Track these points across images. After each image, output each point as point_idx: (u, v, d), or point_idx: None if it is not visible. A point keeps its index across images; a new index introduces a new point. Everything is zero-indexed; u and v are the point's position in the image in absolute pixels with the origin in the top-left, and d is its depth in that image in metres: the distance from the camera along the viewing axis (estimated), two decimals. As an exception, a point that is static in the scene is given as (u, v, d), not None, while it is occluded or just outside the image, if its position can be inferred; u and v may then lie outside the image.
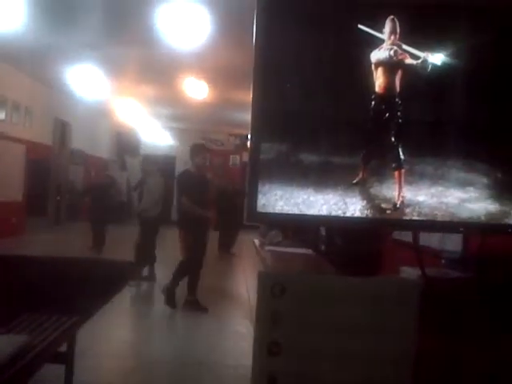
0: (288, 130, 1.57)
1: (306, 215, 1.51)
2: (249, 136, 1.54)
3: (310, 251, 4.08)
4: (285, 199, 1.53)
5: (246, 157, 17.30)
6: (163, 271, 8.42)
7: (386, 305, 1.53)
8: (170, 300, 6.09)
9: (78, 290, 6.22)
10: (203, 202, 6.30)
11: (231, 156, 17.65)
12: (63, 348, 3.45)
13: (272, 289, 1.49)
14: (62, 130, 13.18)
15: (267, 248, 4.27)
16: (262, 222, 2.74)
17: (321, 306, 1.52)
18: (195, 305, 6.11)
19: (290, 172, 1.54)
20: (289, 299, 1.50)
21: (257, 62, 1.51)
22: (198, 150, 6.51)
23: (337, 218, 1.53)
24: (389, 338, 1.52)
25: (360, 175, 1.58)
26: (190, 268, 6.22)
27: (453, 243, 2.98)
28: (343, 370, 1.51)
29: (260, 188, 1.51)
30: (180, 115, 14.94)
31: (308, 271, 2.81)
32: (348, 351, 1.52)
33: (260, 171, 1.52)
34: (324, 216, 1.52)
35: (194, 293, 6.20)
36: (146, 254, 7.66)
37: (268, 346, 1.48)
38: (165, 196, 8.14)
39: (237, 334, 5.35)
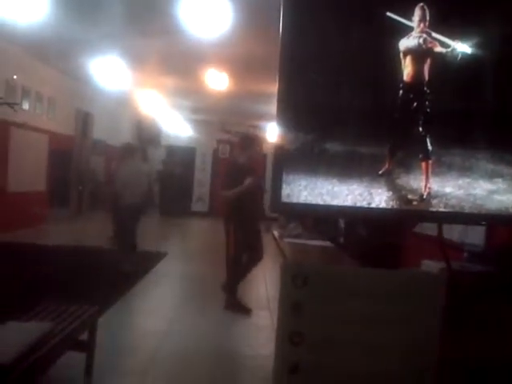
0: (313, 120, 1.55)
1: (331, 206, 1.49)
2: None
3: (328, 243, 4.07)
4: (309, 189, 1.51)
5: (266, 148, 17.27)
6: (176, 265, 8.50)
7: (409, 297, 1.51)
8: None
9: (99, 279, 6.31)
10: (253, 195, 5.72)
11: (251, 148, 17.64)
12: (84, 337, 3.50)
13: (294, 279, 1.48)
14: (84, 120, 13.31)
15: (286, 240, 4.27)
16: (286, 213, 2.73)
17: (342, 296, 1.51)
18: (238, 306, 5.72)
19: (314, 162, 1.52)
20: (311, 290, 1.49)
21: (283, 51, 1.49)
22: (250, 142, 5.96)
23: (362, 208, 1.51)
24: (411, 329, 1.50)
25: (386, 166, 1.55)
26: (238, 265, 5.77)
27: (475, 236, 2.94)
28: (364, 360, 1.49)
29: (284, 178, 1.50)
30: (201, 106, 14.96)
31: (327, 263, 2.80)
32: (369, 342, 1.50)
33: (285, 161, 1.50)
34: (349, 207, 1.50)
35: (236, 293, 5.77)
36: (124, 242, 7.26)
37: (290, 335, 1.48)
38: (150, 185, 7.66)
39: (255, 325, 5.36)
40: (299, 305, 1.48)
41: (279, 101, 1.52)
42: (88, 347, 3.53)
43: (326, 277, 1.52)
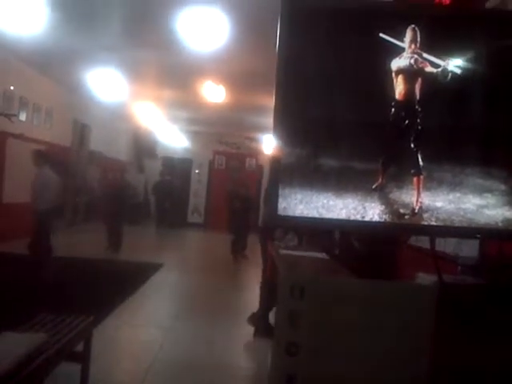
0: (309, 136, 1.59)
1: (326, 219, 1.53)
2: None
3: (324, 255, 4.09)
4: (305, 203, 1.55)
5: (261, 160, 17.37)
6: (172, 276, 8.49)
7: (403, 308, 1.55)
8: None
9: (94, 290, 6.30)
10: None
11: (247, 159, 17.70)
12: (79, 348, 3.50)
13: (292, 290, 1.52)
14: (81, 131, 13.35)
15: (282, 251, 4.29)
16: (282, 225, 2.75)
17: (339, 307, 1.54)
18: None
19: (310, 176, 1.56)
20: (308, 300, 1.52)
21: (279, 68, 1.53)
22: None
23: (356, 222, 1.55)
24: (405, 340, 1.54)
25: (379, 180, 1.59)
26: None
27: (469, 249, 2.97)
28: (360, 370, 1.52)
29: (281, 192, 1.54)
30: (197, 118, 15.03)
31: (323, 274, 2.83)
32: (364, 352, 1.53)
33: (281, 175, 1.54)
34: (343, 220, 1.53)
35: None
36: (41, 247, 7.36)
37: (286, 346, 1.51)
38: (57, 192, 7.85)
39: (250, 336, 5.36)
40: (296, 315, 1.51)
41: (275, 117, 1.57)
42: (83, 358, 3.53)
43: (322, 288, 1.55)
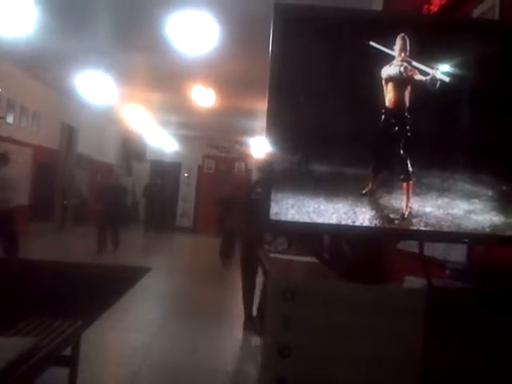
0: (301, 142, 1.61)
1: (317, 223, 1.55)
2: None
3: (314, 259, 4.12)
4: (296, 208, 1.57)
5: (251, 164, 17.40)
6: (159, 280, 8.47)
7: (393, 312, 1.57)
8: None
9: (82, 294, 6.26)
10: None
11: (236, 163, 17.72)
12: (67, 352, 3.48)
13: (283, 294, 1.53)
14: (68, 134, 13.28)
15: (272, 255, 4.31)
16: (274, 230, 2.77)
17: (330, 311, 1.55)
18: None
19: (301, 182, 1.58)
20: (299, 304, 1.54)
21: (272, 74, 1.55)
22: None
23: (346, 226, 1.57)
24: (396, 344, 1.55)
25: (369, 186, 1.61)
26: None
27: (457, 254, 3.00)
28: (351, 374, 1.54)
29: (273, 197, 1.55)
30: (187, 122, 15.03)
31: (313, 277, 2.85)
32: (356, 356, 1.55)
33: (273, 181, 1.56)
34: (334, 225, 1.55)
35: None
36: None
37: (278, 349, 1.52)
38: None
39: (239, 340, 5.37)
40: (288, 319, 1.53)
41: (268, 123, 1.59)
42: (71, 362, 3.51)
43: (314, 291, 1.57)
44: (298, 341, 1.54)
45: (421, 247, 1.75)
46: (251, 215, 5.66)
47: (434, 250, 2.66)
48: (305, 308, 1.54)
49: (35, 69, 10.00)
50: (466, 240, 1.90)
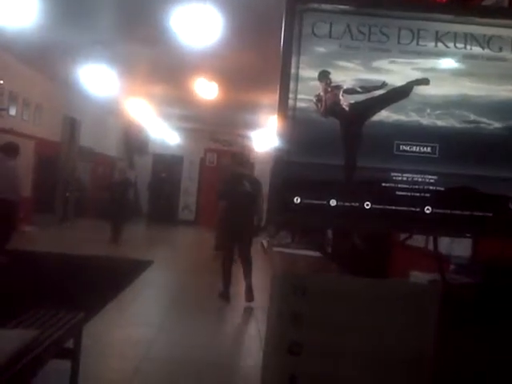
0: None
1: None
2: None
3: (317, 253, 4.09)
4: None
5: (253, 157, 17.33)
6: (162, 274, 8.47)
7: (404, 307, 1.54)
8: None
9: (84, 287, 6.26)
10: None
11: (238, 157, 17.66)
12: (69, 344, 3.47)
13: (294, 289, 1.50)
14: (71, 127, 13.25)
15: (276, 249, 4.28)
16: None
17: (341, 307, 1.53)
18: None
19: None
20: (310, 300, 1.51)
21: (284, 70, 1.51)
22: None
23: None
24: (406, 339, 1.53)
25: None
26: None
27: (461, 249, 2.98)
28: (362, 370, 1.51)
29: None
30: (189, 115, 14.98)
31: (316, 272, 2.82)
32: (365, 352, 1.52)
33: (282, 176, 1.52)
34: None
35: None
36: None
37: (289, 345, 1.49)
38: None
39: (241, 335, 5.36)
40: (298, 315, 1.50)
41: (279, 117, 1.54)
42: (73, 355, 3.50)
43: (324, 287, 1.54)
44: (310, 338, 1.51)
45: (435, 243, 1.73)
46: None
47: (439, 245, 2.64)
48: (315, 304, 1.51)
49: (37, 61, 9.96)
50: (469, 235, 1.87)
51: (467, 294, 1.95)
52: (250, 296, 6.38)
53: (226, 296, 6.52)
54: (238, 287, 6.72)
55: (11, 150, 7.77)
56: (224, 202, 6.52)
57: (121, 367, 4.18)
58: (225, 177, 7.47)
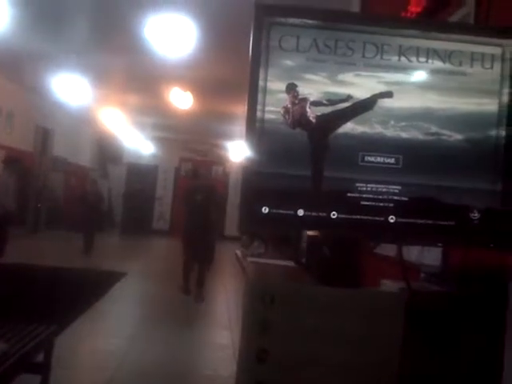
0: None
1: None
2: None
3: (291, 263, 4.11)
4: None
5: (228, 168, 17.37)
6: (135, 285, 8.39)
7: (372, 316, 1.56)
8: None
9: (56, 299, 6.15)
10: None
11: (214, 167, 17.67)
12: (40, 358, 3.41)
13: (262, 297, 1.51)
14: (43, 136, 13.07)
15: (249, 259, 4.29)
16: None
17: (309, 315, 1.54)
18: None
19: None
20: (278, 308, 1.52)
21: (252, 82, 1.53)
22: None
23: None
24: (373, 348, 1.55)
25: None
26: None
27: (432, 257, 3.03)
28: (330, 378, 1.53)
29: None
30: (164, 125, 14.95)
31: (292, 282, 2.84)
32: (332, 360, 1.54)
33: (253, 184, 1.53)
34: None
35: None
36: None
37: (256, 353, 1.50)
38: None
39: (215, 345, 5.34)
40: (266, 322, 1.51)
41: (248, 128, 1.56)
42: (44, 369, 3.43)
43: (292, 295, 1.56)
44: (277, 345, 1.52)
45: (399, 251, 1.76)
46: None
47: (409, 254, 2.68)
48: (283, 312, 1.53)
49: (9, 68, 9.83)
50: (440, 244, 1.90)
51: (435, 302, 1.98)
52: (199, 297, 7.21)
53: (185, 290, 7.55)
54: (211, 295, 6.70)
55: None
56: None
57: (93, 379, 4.12)
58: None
